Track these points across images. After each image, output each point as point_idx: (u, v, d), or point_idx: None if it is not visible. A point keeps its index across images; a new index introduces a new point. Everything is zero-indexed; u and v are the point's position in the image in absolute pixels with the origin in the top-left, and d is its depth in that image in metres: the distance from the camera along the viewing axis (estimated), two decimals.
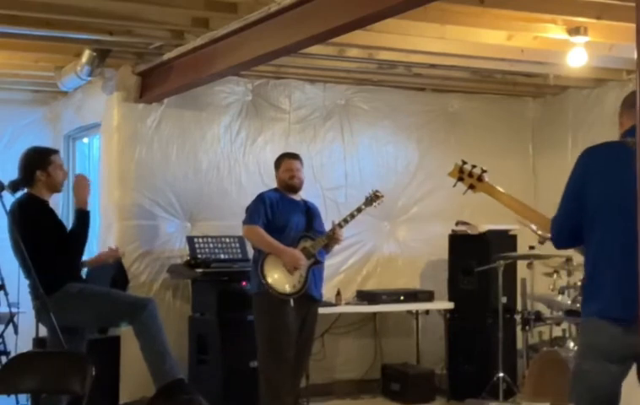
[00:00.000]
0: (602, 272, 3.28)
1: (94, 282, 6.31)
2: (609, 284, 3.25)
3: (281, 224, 5.72)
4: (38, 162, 5.22)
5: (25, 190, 5.18)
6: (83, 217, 5.27)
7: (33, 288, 5.08)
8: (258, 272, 5.60)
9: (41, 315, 4.98)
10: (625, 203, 3.09)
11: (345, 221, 5.83)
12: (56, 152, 5.46)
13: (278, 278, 5.62)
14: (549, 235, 3.64)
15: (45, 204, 5.26)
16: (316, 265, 5.73)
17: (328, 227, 5.86)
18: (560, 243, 3.57)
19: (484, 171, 3.86)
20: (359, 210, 5.91)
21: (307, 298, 5.71)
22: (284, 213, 5.76)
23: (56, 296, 4.91)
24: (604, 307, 3.25)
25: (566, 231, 3.46)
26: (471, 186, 3.87)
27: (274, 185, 5.95)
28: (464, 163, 3.89)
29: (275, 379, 5.59)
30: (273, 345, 5.59)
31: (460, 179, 3.89)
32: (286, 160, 5.97)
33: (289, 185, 5.86)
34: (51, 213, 5.34)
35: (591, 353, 3.32)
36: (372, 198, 6.00)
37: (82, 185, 5.39)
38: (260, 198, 5.82)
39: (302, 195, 6.00)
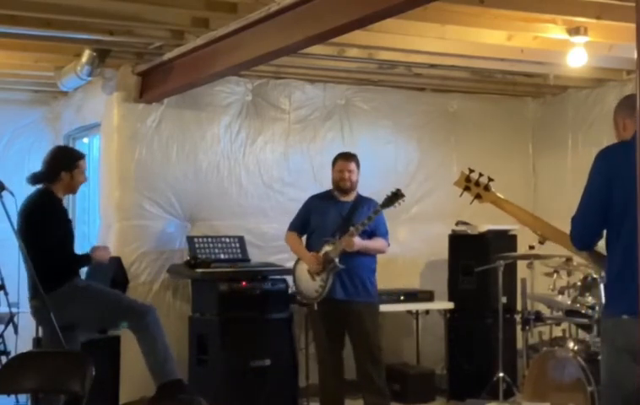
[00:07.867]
0: (631, 270, 3.25)
1: (94, 281, 6.32)
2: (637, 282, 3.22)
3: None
4: (65, 163, 5.34)
5: (42, 185, 5.26)
6: (88, 261, 5.43)
7: (32, 287, 5.09)
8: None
9: (42, 313, 4.98)
10: None
11: (363, 225, 5.61)
12: (83, 157, 5.56)
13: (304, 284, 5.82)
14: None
15: (60, 202, 5.35)
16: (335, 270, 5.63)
17: None
18: (582, 243, 3.49)
19: (490, 180, 3.82)
20: (376, 212, 5.66)
21: (331, 301, 5.69)
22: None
23: (65, 288, 4.93)
24: (633, 305, 3.21)
25: (589, 231, 3.40)
26: (478, 196, 3.83)
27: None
28: (471, 171, 3.85)
29: (319, 379, 5.94)
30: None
31: (467, 188, 3.86)
32: None
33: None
34: (65, 212, 5.43)
35: (623, 354, 3.25)
36: (391, 199, 5.68)
37: (106, 255, 5.55)
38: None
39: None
